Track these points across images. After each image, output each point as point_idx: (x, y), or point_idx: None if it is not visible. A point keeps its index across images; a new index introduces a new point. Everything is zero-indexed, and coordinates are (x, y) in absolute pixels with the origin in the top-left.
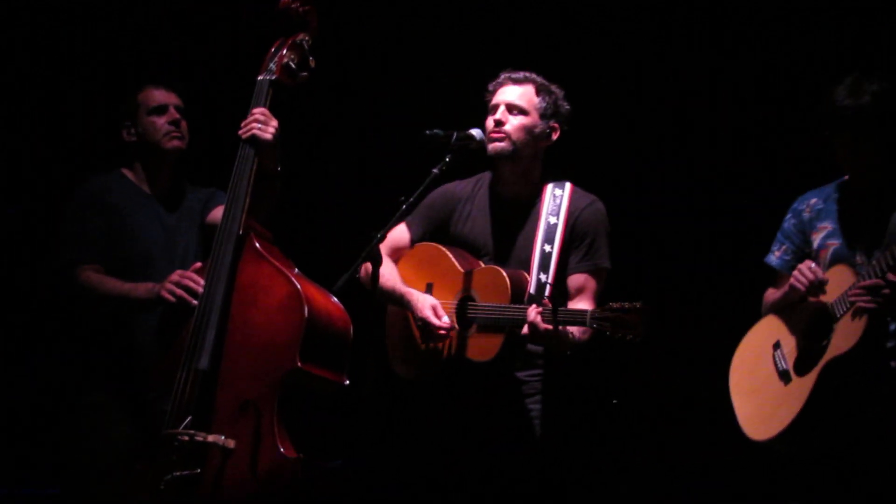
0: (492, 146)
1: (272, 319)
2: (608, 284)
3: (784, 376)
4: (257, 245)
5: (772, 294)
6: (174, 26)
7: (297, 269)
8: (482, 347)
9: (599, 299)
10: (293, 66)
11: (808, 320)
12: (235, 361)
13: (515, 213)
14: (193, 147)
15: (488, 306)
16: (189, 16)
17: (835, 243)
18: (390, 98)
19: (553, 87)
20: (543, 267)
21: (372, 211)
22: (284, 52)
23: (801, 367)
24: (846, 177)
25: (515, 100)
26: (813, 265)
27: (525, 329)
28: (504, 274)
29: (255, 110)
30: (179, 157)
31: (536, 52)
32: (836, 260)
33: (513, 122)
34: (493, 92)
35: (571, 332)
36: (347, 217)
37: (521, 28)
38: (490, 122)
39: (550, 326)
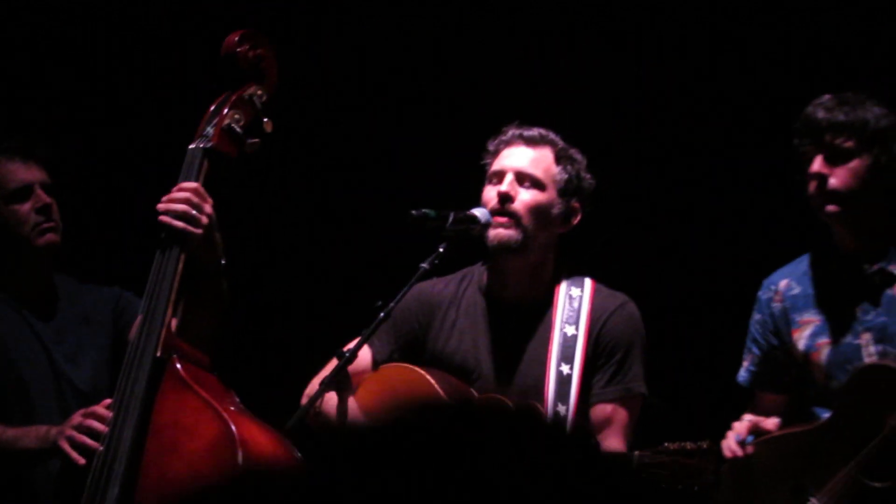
0: (494, 233)
1: (197, 470)
2: None
3: None
4: (181, 371)
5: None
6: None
7: (238, 404)
8: None
9: (631, 437)
10: (237, 129)
11: (849, 449)
12: None
13: (520, 323)
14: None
15: None
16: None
17: (827, 342)
18: (369, 166)
19: (574, 153)
20: (561, 395)
21: (341, 321)
22: (226, 111)
23: None
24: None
25: (528, 167)
26: (744, 423)
27: None
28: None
29: (184, 185)
30: (54, 253)
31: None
32: (838, 364)
33: (523, 199)
34: (497, 153)
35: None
36: (309, 329)
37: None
38: (492, 196)
39: None
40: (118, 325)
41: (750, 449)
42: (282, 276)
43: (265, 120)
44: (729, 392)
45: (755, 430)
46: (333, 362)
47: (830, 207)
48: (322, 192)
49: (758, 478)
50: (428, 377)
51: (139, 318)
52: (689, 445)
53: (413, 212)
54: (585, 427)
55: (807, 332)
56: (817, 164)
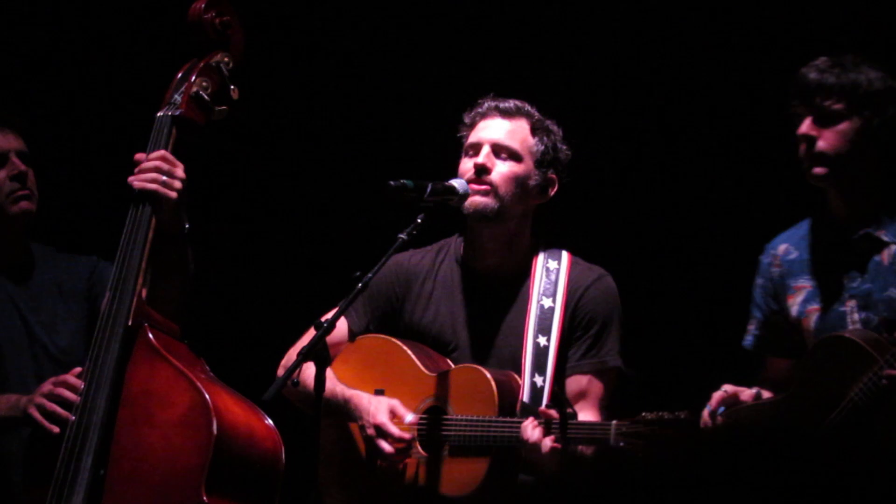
0: (470, 201)
1: (171, 440)
2: None
3: None
4: (153, 340)
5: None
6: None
7: (209, 373)
8: (459, 478)
9: (606, 408)
10: (205, 96)
11: (813, 420)
12: (122, 498)
13: (497, 294)
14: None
15: (467, 420)
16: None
17: (816, 308)
18: (342, 132)
19: (551, 124)
20: (538, 367)
21: (318, 291)
22: (194, 78)
23: None
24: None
25: (505, 139)
26: (718, 393)
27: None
28: (489, 376)
29: (154, 154)
30: (29, 221)
31: (525, 73)
32: (825, 331)
33: (500, 170)
34: (473, 125)
35: (580, 452)
36: (286, 299)
37: (509, 43)
38: (468, 167)
39: (558, 445)
40: (91, 293)
41: (719, 419)
42: (257, 246)
43: (232, 87)
44: (727, 362)
45: (730, 402)
46: (311, 333)
47: (817, 169)
48: (298, 162)
49: None
50: (405, 348)
51: (109, 288)
52: (666, 415)
53: (391, 182)
54: (562, 397)
55: (799, 297)
56: (805, 126)
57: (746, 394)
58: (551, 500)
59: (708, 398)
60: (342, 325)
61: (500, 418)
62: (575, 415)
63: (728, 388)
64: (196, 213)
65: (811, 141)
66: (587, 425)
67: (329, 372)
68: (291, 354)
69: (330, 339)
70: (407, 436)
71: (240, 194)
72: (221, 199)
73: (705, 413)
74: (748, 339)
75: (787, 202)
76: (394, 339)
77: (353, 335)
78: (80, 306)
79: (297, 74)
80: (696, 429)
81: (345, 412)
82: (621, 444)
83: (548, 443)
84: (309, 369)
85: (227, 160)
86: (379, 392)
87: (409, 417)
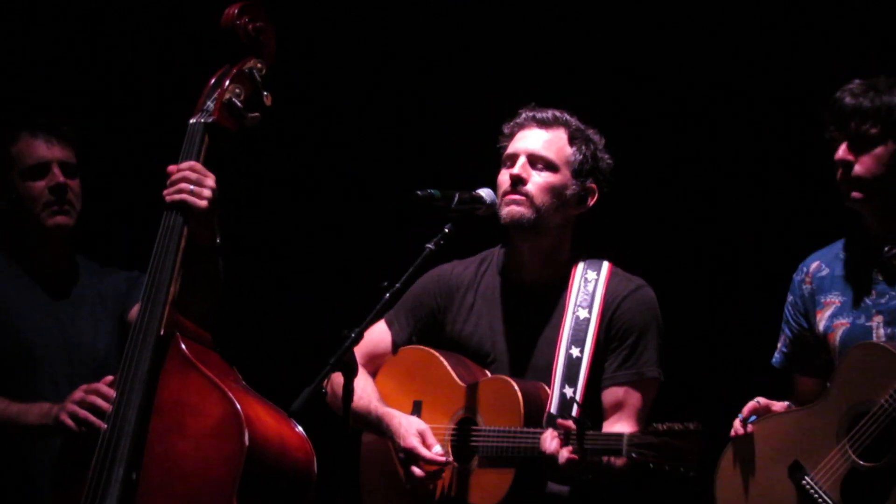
0: (507, 210)
1: (202, 450)
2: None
3: None
4: (185, 350)
5: None
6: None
7: (242, 382)
8: (486, 488)
9: (644, 420)
10: (238, 103)
11: (841, 428)
12: None
13: (535, 306)
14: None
15: (493, 431)
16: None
17: (844, 323)
18: (372, 146)
19: (591, 133)
20: (569, 378)
21: (346, 301)
22: (227, 84)
23: (858, 499)
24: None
25: (541, 149)
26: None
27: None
28: (515, 387)
29: (184, 165)
30: (69, 233)
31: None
32: (849, 345)
33: (536, 181)
34: (511, 136)
35: (606, 463)
36: (313, 310)
37: (551, 54)
38: (505, 179)
39: (575, 457)
40: (125, 304)
41: (750, 428)
42: (286, 256)
43: (265, 93)
44: (762, 377)
45: (761, 412)
46: (367, 339)
47: (855, 194)
48: (330, 172)
49: (759, 457)
50: (442, 360)
51: (141, 298)
52: (677, 426)
53: (418, 192)
54: (581, 410)
55: (828, 312)
56: (842, 151)
57: (778, 406)
58: None
59: (740, 410)
60: (385, 338)
61: (524, 429)
62: (591, 426)
63: (761, 399)
64: (228, 222)
65: (848, 166)
66: (602, 436)
67: (370, 386)
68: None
69: (374, 350)
70: (440, 459)
71: (271, 204)
72: (254, 207)
73: (737, 422)
74: (777, 357)
75: (827, 221)
76: (432, 351)
77: (395, 347)
78: (116, 316)
79: (329, 82)
80: (705, 440)
81: (381, 430)
82: (633, 454)
83: (565, 453)
84: (339, 379)
85: (260, 170)
86: (417, 403)
87: (437, 448)
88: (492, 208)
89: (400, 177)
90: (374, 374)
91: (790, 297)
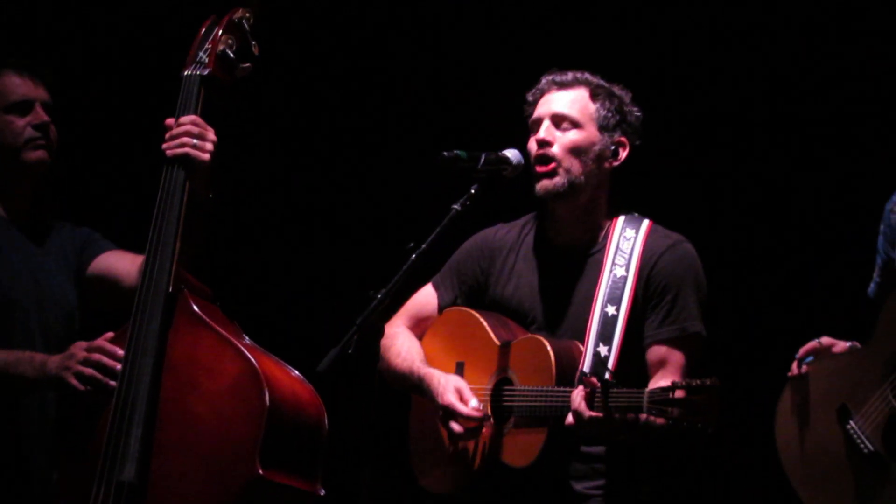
0: (540, 186)
1: (220, 410)
2: None
3: (873, 461)
4: (194, 306)
5: None
6: None
7: (246, 338)
8: (520, 448)
9: (690, 377)
10: (231, 54)
11: (884, 372)
12: (172, 469)
13: (572, 266)
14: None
15: (526, 390)
16: None
17: None
18: (392, 100)
19: (616, 89)
20: (604, 336)
21: (373, 263)
22: (219, 35)
23: None
24: None
25: (563, 109)
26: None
27: (570, 419)
28: (547, 346)
29: (185, 119)
30: (44, 176)
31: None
32: None
33: (562, 141)
34: (535, 103)
35: (643, 423)
36: (341, 272)
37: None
38: (532, 146)
39: (599, 414)
40: (80, 260)
41: (805, 368)
42: (314, 218)
43: (253, 43)
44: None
45: (821, 352)
46: (416, 297)
47: None
48: (355, 135)
49: (812, 400)
50: (482, 321)
51: (111, 253)
52: (695, 382)
53: (444, 153)
54: (608, 366)
55: None
56: None
57: (840, 346)
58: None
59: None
60: (432, 300)
61: (555, 388)
62: (616, 384)
63: (824, 339)
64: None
65: None
66: (624, 393)
67: (415, 347)
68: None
69: (419, 312)
70: (477, 414)
71: (302, 164)
72: (284, 169)
73: (794, 363)
74: (871, 287)
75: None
76: (472, 311)
77: (441, 309)
78: (73, 271)
79: (353, 42)
80: (723, 396)
81: (422, 390)
82: (653, 411)
83: (588, 411)
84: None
85: (290, 127)
86: (459, 364)
87: (474, 402)
88: (518, 169)
89: (426, 138)
90: (420, 336)
91: (882, 227)
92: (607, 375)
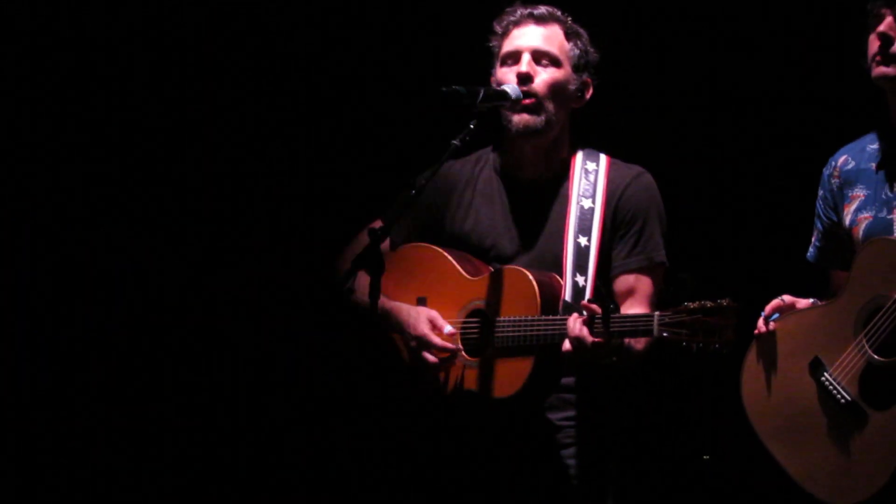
0: (519, 118)
1: None
2: None
3: (850, 410)
4: None
5: None
6: None
7: None
8: (502, 379)
9: (655, 305)
10: None
11: (858, 324)
12: None
13: (537, 200)
14: None
15: (511, 321)
16: None
17: (867, 217)
18: (380, 43)
19: (579, 28)
20: (580, 266)
21: (366, 198)
22: None
23: (875, 394)
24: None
25: (544, 45)
26: (774, 301)
27: (567, 345)
28: (531, 277)
29: None
30: None
31: None
32: (871, 238)
33: (543, 77)
34: (506, 34)
35: (628, 346)
36: (338, 207)
37: None
38: (510, 78)
39: (601, 339)
40: None
41: (773, 325)
42: (309, 154)
43: None
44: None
45: (785, 309)
46: (362, 238)
47: (887, 69)
48: (351, 73)
49: (781, 355)
50: (447, 255)
51: None
52: (709, 304)
53: (443, 88)
54: (604, 292)
55: (853, 206)
56: (885, 25)
57: (802, 303)
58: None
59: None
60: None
61: (544, 317)
62: (617, 308)
63: (786, 297)
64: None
65: (888, 41)
66: (630, 317)
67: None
68: (346, 259)
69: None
70: (450, 345)
71: (298, 104)
72: (275, 107)
73: (760, 320)
74: (811, 252)
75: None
76: (435, 247)
77: (394, 245)
78: None
79: None
80: (739, 315)
81: (388, 324)
82: (665, 334)
83: (590, 337)
84: (363, 278)
85: (282, 69)
86: (421, 300)
87: (448, 328)
88: (517, 103)
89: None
90: None
91: (820, 192)
92: (590, 296)
